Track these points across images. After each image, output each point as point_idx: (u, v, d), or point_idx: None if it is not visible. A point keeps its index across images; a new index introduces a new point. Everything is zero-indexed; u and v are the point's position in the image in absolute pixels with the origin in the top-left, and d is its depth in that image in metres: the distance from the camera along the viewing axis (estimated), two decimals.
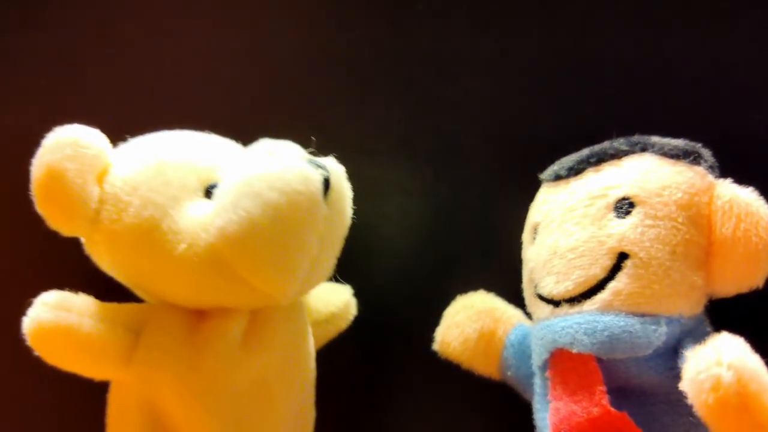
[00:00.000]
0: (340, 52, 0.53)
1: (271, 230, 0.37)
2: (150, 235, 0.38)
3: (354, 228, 0.45)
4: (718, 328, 0.42)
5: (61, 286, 0.40)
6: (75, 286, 0.41)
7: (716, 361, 0.31)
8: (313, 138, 0.44)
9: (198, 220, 0.38)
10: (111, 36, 0.53)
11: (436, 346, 0.48)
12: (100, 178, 0.40)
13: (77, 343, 0.39)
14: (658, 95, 0.50)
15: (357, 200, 0.48)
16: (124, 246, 0.40)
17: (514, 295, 0.47)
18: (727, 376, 0.31)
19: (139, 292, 0.43)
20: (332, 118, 0.53)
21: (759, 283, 0.39)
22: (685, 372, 0.34)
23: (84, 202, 0.39)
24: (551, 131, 0.51)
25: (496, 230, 0.50)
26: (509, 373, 0.46)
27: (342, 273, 0.45)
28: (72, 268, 0.44)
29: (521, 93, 0.52)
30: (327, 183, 0.39)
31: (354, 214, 0.44)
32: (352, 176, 0.48)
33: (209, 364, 0.39)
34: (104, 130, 0.43)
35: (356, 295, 0.51)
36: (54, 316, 0.38)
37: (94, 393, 0.43)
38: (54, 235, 0.40)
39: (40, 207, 0.39)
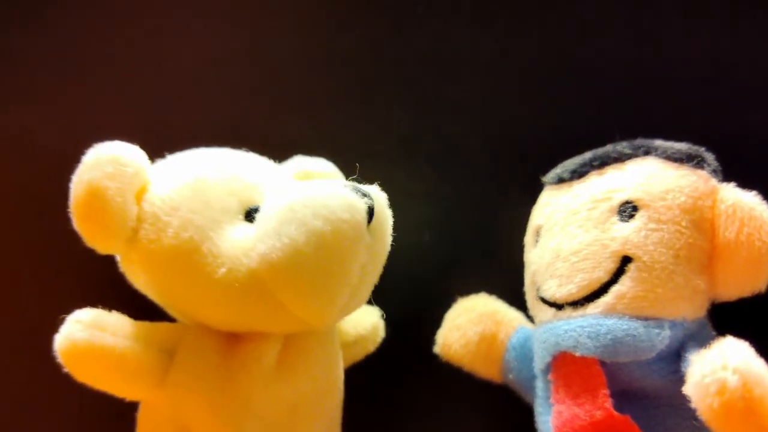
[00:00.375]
0: (340, 52, 0.53)
1: (314, 259, 0.36)
2: (189, 256, 0.38)
3: None
4: (721, 331, 0.43)
5: (92, 303, 0.40)
6: (106, 303, 0.40)
7: (722, 366, 0.31)
8: (357, 164, 0.45)
9: (239, 245, 0.38)
10: (111, 36, 0.53)
11: (437, 348, 0.48)
12: (139, 196, 0.39)
13: (111, 364, 0.38)
14: (659, 96, 0.50)
15: None
16: (161, 266, 0.39)
17: (515, 296, 0.46)
18: (732, 380, 0.31)
19: (172, 312, 0.43)
20: (333, 119, 0.53)
21: (762, 287, 0.39)
22: (690, 376, 0.34)
23: (123, 221, 0.38)
24: (552, 132, 0.51)
25: (498, 231, 0.50)
26: (511, 376, 0.46)
27: None
28: (104, 284, 0.43)
29: (522, 94, 0.52)
30: (371, 211, 0.38)
31: None
32: (352, 177, 0.49)
33: (242, 388, 0.38)
34: (105, 130, 0.43)
35: None
36: (88, 335, 0.37)
37: (121, 411, 0.43)
38: (89, 252, 0.40)
39: (79, 224, 0.38)
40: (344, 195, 0.37)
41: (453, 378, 0.48)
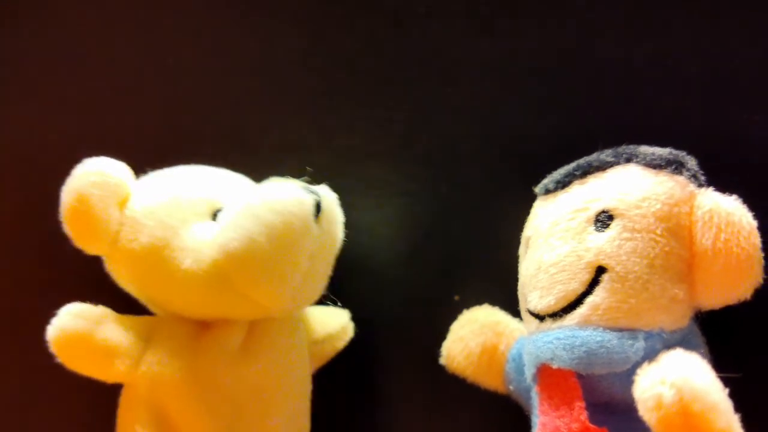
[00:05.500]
0: (340, 53, 0.54)
1: (267, 247, 0.41)
2: (162, 252, 0.43)
3: (353, 229, 0.47)
4: (720, 339, 0.41)
5: (84, 299, 0.44)
6: (96, 299, 0.44)
7: (660, 380, 0.30)
8: (308, 168, 0.47)
9: (203, 239, 0.43)
10: (111, 36, 0.55)
11: (443, 360, 0.48)
12: (122, 205, 0.45)
13: (94, 348, 0.43)
14: (659, 97, 0.48)
15: (356, 201, 0.50)
16: (138, 262, 0.44)
17: (513, 297, 0.45)
18: (668, 395, 0.30)
19: (151, 306, 0.48)
20: (332, 120, 0.54)
21: (746, 294, 0.37)
22: (634, 390, 0.33)
23: (105, 224, 0.44)
24: (551, 133, 0.51)
25: (496, 232, 0.50)
26: (511, 387, 0.46)
27: (341, 274, 0.47)
28: (96, 282, 0.47)
29: (521, 95, 0.51)
30: (318, 207, 0.43)
31: (353, 215, 0.47)
32: (352, 177, 0.51)
33: (209, 367, 0.44)
34: (104, 130, 0.47)
35: (354, 295, 0.52)
36: (74, 323, 0.43)
37: (108, 398, 0.46)
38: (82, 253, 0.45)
39: (68, 227, 0.44)
40: (293, 191, 0.42)
41: (451, 379, 0.48)
